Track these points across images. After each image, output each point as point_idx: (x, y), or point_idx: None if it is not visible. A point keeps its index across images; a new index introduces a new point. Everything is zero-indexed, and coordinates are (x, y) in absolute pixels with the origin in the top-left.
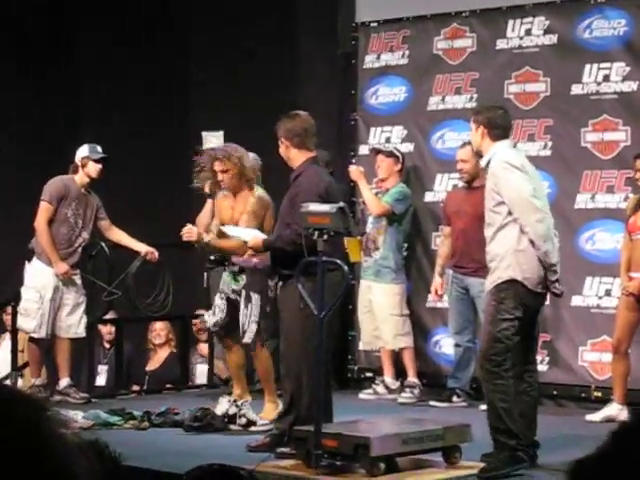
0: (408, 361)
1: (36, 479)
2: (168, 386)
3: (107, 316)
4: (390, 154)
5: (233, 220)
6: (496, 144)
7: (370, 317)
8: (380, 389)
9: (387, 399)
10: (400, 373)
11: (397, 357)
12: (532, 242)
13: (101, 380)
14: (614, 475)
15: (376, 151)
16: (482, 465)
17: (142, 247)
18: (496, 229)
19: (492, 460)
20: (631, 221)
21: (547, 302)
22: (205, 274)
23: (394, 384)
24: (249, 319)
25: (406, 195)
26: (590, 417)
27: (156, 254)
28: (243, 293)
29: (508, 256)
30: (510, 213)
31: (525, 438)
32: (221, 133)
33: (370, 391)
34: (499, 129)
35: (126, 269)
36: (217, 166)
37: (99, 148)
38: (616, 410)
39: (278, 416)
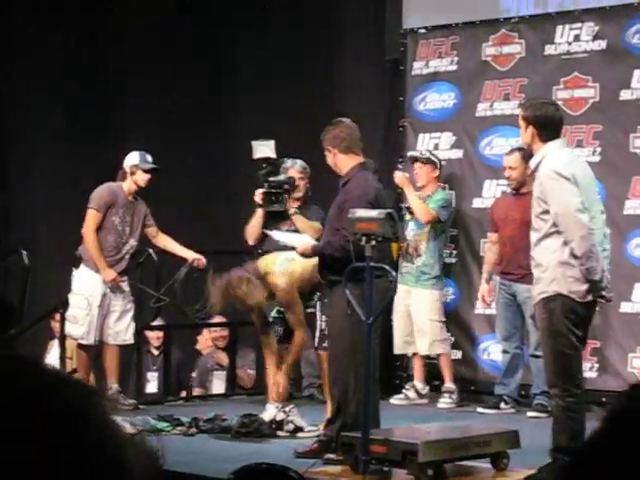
0: (445, 367)
1: (83, 466)
2: (215, 392)
3: (155, 323)
4: (427, 161)
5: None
6: (547, 145)
7: (405, 322)
8: (411, 394)
9: (419, 404)
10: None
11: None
12: (575, 256)
13: (152, 387)
14: (612, 464)
15: (413, 159)
16: (530, 472)
17: (189, 254)
18: (542, 236)
19: (544, 471)
20: None
21: (597, 308)
22: None
23: (424, 389)
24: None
25: (449, 202)
26: None
27: (203, 260)
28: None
29: (551, 268)
30: (555, 224)
31: None
32: (272, 142)
33: (401, 396)
34: (549, 129)
35: (174, 276)
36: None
37: (149, 157)
38: None
39: (326, 422)
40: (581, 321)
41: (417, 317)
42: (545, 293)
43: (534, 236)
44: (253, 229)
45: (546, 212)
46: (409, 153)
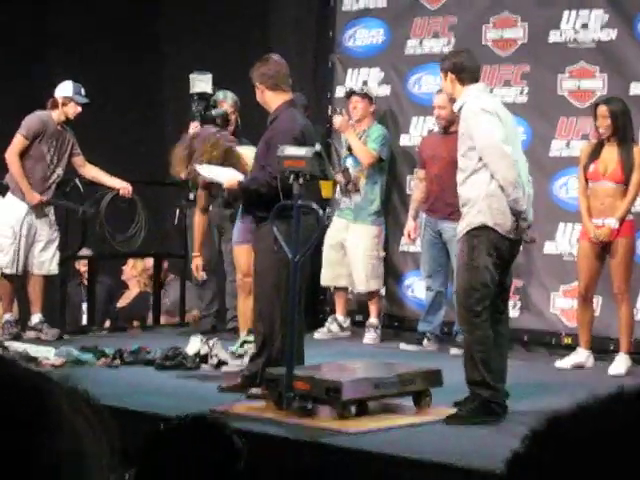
0: (374, 303)
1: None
2: (135, 324)
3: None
4: (365, 95)
5: None
6: (468, 87)
7: (338, 255)
8: (334, 327)
9: (341, 337)
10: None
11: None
12: (501, 188)
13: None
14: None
15: (350, 93)
16: (452, 411)
17: (116, 182)
18: (468, 174)
19: (462, 408)
20: (591, 169)
21: (520, 248)
22: (178, 212)
23: (346, 322)
24: None
25: (387, 137)
26: (559, 364)
27: (130, 189)
28: None
29: (479, 201)
30: (481, 158)
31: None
32: (209, 76)
33: (324, 330)
34: (466, 72)
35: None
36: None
37: (83, 91)
38: (584, 357)
39: (250, 358)
40: (502, 259)
41: (354, 252)
42: (470, 225)
43: (460, 176)
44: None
45: (472, 149)
46: (347, 86)
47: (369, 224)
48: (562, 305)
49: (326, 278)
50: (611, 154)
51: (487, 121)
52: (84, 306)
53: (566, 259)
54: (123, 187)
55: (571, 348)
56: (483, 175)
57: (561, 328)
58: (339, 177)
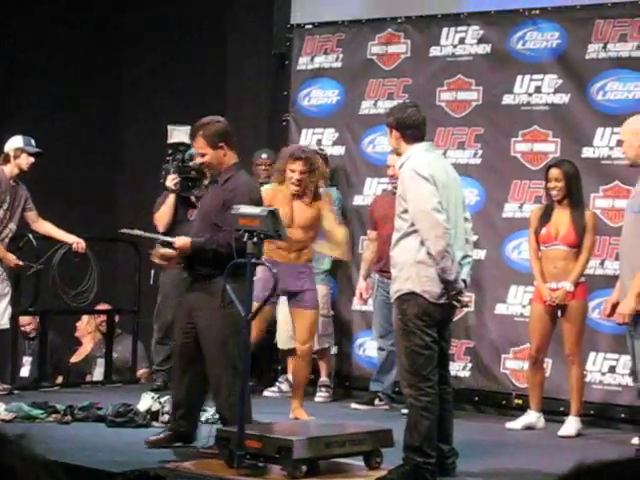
0: (325, 361)
1: None
2: (89, 380)
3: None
4: (323, 156)
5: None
6: (412, 147)
7: (289, 317)
8: (284, 387)
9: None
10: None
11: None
12: (430, 255)
13: (25, 372)
14: None
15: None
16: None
17: (69, 237)
18: (400, 236)
19: (393, 471)
20: (543, 232)
21: (472, 309)
22: (153, 271)
23: None
24: None
25: (341, 200)
26: (510, 425)
27: (83, 244)
28: None
29: (407, 267)
30: (413, 223)
31: (439, 451)
32: (188, 127)
33: (275, 389)
34: (410, 129)
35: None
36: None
37: (33, 142)
38: (535, 418)
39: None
40: (435, 323)
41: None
42: (400, 292)
43: (395, 236)
44: (165, 215)
45: (406, 211)
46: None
47: (319, 283)
48: (513, 366)
49: (282, 340)
50: (563, 217)
51: (421, 186)
52: (24, 359)
53: (517, 320)
54: (76, 242)
55: (521, 409)
56: (414, 240)
57: (511, 389)
58: None
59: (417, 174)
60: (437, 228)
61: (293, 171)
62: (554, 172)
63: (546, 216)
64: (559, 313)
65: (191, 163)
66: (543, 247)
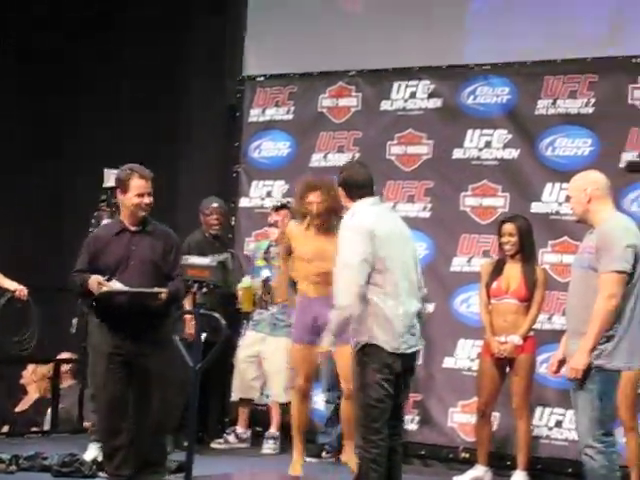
0: (276, 413)
1: None
2: (34, 429)
3: None
4: (291, 209)
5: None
6: (356, 203)
7: (252, 367)
8: (231, 438)
9: (239, 448)
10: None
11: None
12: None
13: None
14: None
15: (280, 206)
16: None
17: (11, 284)
18: None
19: None
20: (494, 286)
21: (420, 362)
22: (76, 321)
23: (245, 433)
24: None
25: None
26: (458, 479)
27: (25, 291)
28: None
29: (363, 319)
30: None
31: None
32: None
33: (221, 440)
34: (354, 187)
35: None
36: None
37: None
38: (482, 472)
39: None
40: (392, 372)
41: (270, 364)
42: (359, 343)
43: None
44: None
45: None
46: (277, 201)
47: (285, 336)
48: (460, 419)
49: (237, 390)
50: (514, 271)
51: (351, 241)
52: None
53: (465, 374)
54: (18, 289)
55: (469, 462)
56: (368, 292)
57: (459, 442)
58: (258, 289)
59: (349, 227)
60: (351, 284)
61: (311, 203)
62: (508, 227)
63: (497, 270)
64: (507, 367)
65: None
66: (494, 300)
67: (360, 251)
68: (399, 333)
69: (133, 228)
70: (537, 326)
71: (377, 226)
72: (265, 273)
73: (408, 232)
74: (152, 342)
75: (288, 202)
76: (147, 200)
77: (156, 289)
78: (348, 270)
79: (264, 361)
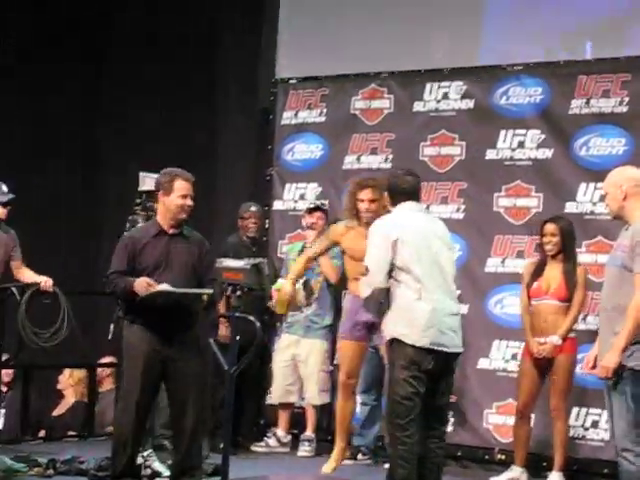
0: (311, 415)
1: None
2: (71, 433)
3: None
4: (325, 211)
5: None
6: (395, 208)
7: (289, 371)
8: (272, 442)
9: (280, 452)
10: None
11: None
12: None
13: None
14: None
15: (315, 208)
16: None
17: (36, 277)
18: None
19: None
20: (534, 286)
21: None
22: (112, 326)
23: (286, 437)
24: None
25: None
26: None
27: (50, 282)
28: None
29: (391, 313)
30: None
31: None
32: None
33: (262, 444)
34: (396, 193)
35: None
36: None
37: (5, 187)
38: (518, 473)
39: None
40: (421, 369)
41: (305, 367)
42: (386, 338)
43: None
44: None
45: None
46: (311, 203)
47: (320, 338)
48: (495, 421)
49: (276, 395)
50: (555, 272)
51: (375, 244)
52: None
53: (500, 375)
54: (44, 281)
55: (504, 464)
56: (397, 289)
57: (494, 444)
58: (300, 290)
59: (376, 229)
60: (374, 280)
61: (362, 200)
62: (550, 227)
63: (539, 270)
64: (547, 369)
65: None
66: (534, 301)
67: (379, 257)
68: (422, 328)
69: (171, 231)
70: (579, 327)
71: (401, 230)
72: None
73: (445, 235)
74: (189, 345)
75: (322, 204)
76: (189, 202)
77: (201, 290)
78: (374, 265)
79: (300, 364)
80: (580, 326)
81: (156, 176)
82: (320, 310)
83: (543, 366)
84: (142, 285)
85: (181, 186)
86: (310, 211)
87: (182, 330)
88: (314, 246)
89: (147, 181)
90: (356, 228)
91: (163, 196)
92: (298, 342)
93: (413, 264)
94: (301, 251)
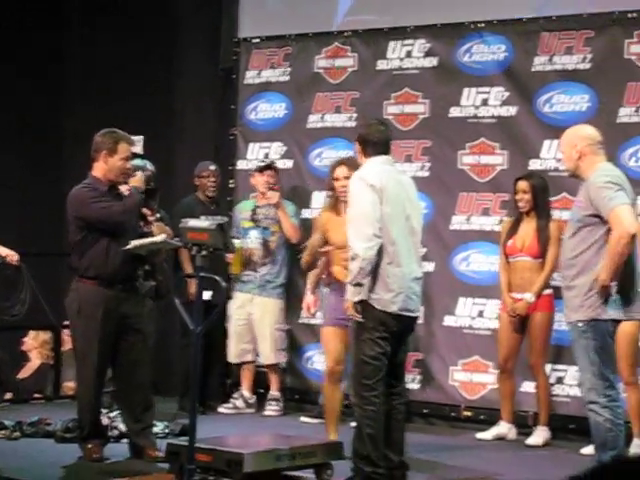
0: (275, 375)
1: None
2: (37, 396)
3: None
4: (276, 170)
5: None
6: (369, 160)
7: (245, 330)
8: (239, 403)
9: (246, 412)
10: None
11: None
12: (352, 258)
13: None
14: None
15: (266, 166)
16: None
17: (2, 250)
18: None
19: None
20: (509, 244)
21: (420, 320)
22: None
23: (252, 398)
24: None
25: (296, 213)
26: (480, 435)
27: (16, 257)
28: None
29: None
30: None
31: (389, 462)
32: (140, 138)
33: (229, 405)
34: (369, 145)
35: None
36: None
37: None
38: (506, 429)
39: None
40: (389, 331)
41: (260, 326)
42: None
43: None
44: None
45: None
46: (256, 159)
47: (275, 297)
48: (461, 378)
49: (233, 354)
50: (528, 229)
51: (363, 193)
52: None
53: (466, 332)
54: (9, 254)
55: (471, 421)
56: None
57: (460, 401)
58: (253, 250)
59: (361, 179)
60: (367, 231)
61: (337, 179)
62: (522, 184)
63: (514, 228)
64: (525, 324)
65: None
66: (510, 258)
67: (371, 201)
68: (393, 294)
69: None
70: (557, 283)
71: (385, 183)
72: (254, 235)
73: (415, 196)
74: (141, 302)
75: (272, 162)
76: (129, 165)
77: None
78: (362, 218)
79: (254, 322)
80: (556, 282)
81: (136, 138)
82: (275, 269)
83: (521, 321)
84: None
85: (124, 149)
86: (261, 170)
87: (134, 287)
88: (313, 239)
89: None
90: (335, 218)
91: (106, 156)
92: (252, 300)
93: (391, 224)
94: (253, 211)
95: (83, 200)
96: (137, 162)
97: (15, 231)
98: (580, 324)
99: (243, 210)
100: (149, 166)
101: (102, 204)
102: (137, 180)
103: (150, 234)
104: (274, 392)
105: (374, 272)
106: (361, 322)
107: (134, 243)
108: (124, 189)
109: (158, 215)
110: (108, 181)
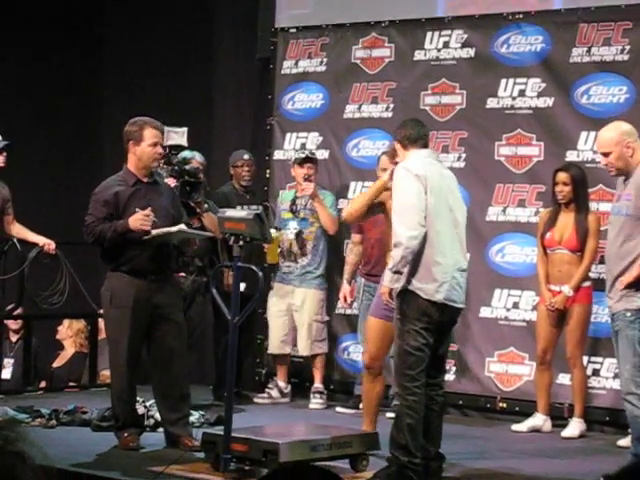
0: (318, 367)
1: None
2: (71, 384)
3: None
4: (316, 162)
5: None
6: (410, 152)
7: (285, 322)
8: (274, 393)
9: (281, 402)
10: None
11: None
12: (395, 245)
13: (6, 374)
14: None
15: (306, 158)
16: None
17: (40, 239)
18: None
19: (380, 473)
20: (548, 236)
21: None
22: None
23: (287, 388)
24: None
25: (334, 204)
26: (516, 427)
27: (53, 245)
28: None
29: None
30: None
31: (426, 452)
32: (185, 129)
33: (265, 395)
34: (409, 139)
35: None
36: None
37: None
38: (541, 421)
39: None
40: (433, 322)
41: (300, 317)
42: (397, 289)
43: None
44: None
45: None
46: (300, 153)
47: (314, 288)
48: (497, 369)
49: (274, 346)
50: (567, 221)
51: (408, 183)
52: (6, 361)
53: (501, 323)
54: (46, 243)
55: (506, 412)
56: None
57: (496, 392)
58: (292, 241)
59: (406, 170)
60: (412, 221)
61: (384, 169)
62: (562, 176)
63: (552, 220)
64: (564, 316)
65: (187, 167)
66: (549, 251)
67: (417, 190)
68: (438, 284)
69: (146, 179)
70: (596, 275)
71: (429, 174)
72: (293, 225)
73: (457, 189)
74: (174, 291)
75: (312, 153)
76: (160, 150)
77: (203, 232)
78: (408, 207)
79: (295, 313)
80: (594, 274)
81: (180, 130)
82: (315, 260)
83: (559, 314)
84: (137, 219)
85: (151, 134)
86: (301, 162)
87: (166, 276)
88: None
89: (172, 136)
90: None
91: (134, 146)
92: (292, 292)
93: (435, 214)
94: (292, 202)
95: (91, 199)
96: (186, 154)
97: (54, 219)
98: (628, 314)
99: (284, 201)
100: (198, 157)
101: (89, 216)
102: (209, 221)
103: (202, 228)
104: (318, 384)
105: (418, 262)
106: (404, 312)
107: (153, 233)
108: (171, 182)
109: (206, 206)
110: (142, 170)
